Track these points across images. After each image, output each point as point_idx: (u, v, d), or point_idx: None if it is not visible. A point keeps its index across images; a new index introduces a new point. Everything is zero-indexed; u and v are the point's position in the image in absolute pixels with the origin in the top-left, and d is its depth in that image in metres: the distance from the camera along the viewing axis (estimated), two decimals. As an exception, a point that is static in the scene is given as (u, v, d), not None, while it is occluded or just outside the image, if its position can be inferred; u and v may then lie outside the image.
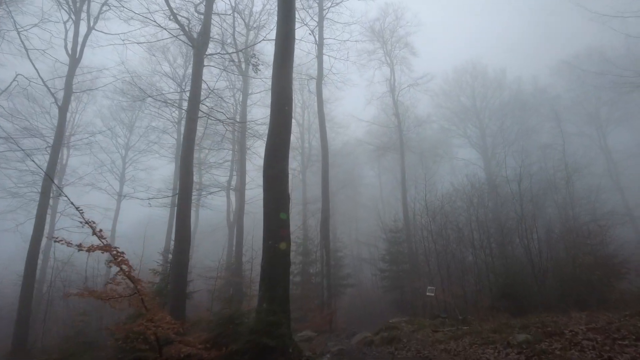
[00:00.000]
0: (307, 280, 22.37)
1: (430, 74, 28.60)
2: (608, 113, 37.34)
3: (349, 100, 36.49)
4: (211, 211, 33.07)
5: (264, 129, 27.43)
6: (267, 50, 27.09)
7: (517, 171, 19.93)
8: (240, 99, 24.60)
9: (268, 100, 30.87)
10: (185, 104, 22.23)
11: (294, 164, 34.58)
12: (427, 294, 16.43)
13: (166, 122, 28.34)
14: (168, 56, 26.89)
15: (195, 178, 30.90)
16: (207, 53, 16.06)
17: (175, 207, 14.23)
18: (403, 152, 26.65)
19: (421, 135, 33.37)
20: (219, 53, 15.94)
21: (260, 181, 26.37)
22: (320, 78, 20.70)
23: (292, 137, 35.28)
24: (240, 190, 23.05)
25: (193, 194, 29.50)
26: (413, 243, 21.80)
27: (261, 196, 25.56)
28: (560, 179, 20.68)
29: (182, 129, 29.68)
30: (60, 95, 19.63)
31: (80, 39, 19.94)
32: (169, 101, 15.95)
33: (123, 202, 33.67)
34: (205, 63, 21.20)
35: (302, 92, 35.45)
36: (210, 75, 24.16)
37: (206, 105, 16.60)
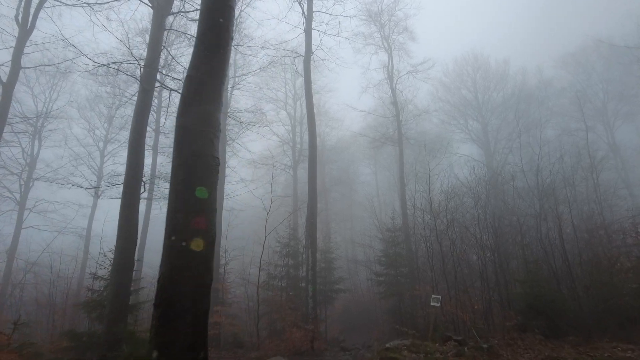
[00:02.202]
0: (294, 286, 19.20)
1: (431, 59, 25.52)
2: (616, 108, 34.31)
3: (344, 92, 33.42)
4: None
5: (247, 117, 24.32)
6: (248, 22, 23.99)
7: (532, 162, 16.88)
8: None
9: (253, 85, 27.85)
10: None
11: (285, 159, 31.43)
12: (432, 304, 13.27)
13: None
14: (146, 38, 23.81)
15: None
16: (170, 12, 12.90)
17: (121, 199, 11.03)
18: (402, 144, 23.51)
19: (420, 127, 30.26)
20: (181, 12, 12.78)
21: (246, 174, 22.92)
22: (308, 54, 17.57)
23: (283, 130, 32.41)
24: (219, 183, 19.82)
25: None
26: (413, 244, 18.60)
27: (247, 194, 21.99)
28: (581, 171, 17.52)
29: (162, 119, 26.83)
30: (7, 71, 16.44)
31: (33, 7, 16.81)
32: (125, 72, 12.67)
33: (106, 199, 30.41)
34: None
35: (295, 83, 32.40)
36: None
37: (168, 76, 13.44)
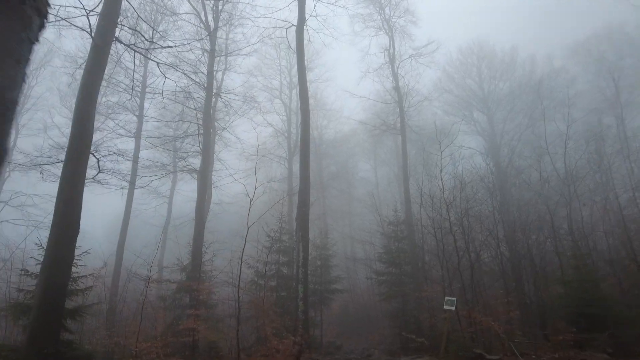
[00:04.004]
0: (286, 286, 16.81)
1: (435, 41, 23.09)
2: (628, 98, 31.84)
3: (341, 82, 30.85)
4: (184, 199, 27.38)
5: (238, 101, 21.93)
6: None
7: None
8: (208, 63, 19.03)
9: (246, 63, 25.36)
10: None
11: (279, 150, 28.99)
12: (445, 307, 10.88)
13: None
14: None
15: (167, 159, 25.34)
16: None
17: (61, 178, 8.59)
18: (404, 131, 21.14)
19: (422, 116, 27.86)
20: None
21: (238, 165, 20.43)
22: (301, 23, 15.22)
23: (278, 120, 29.97)
24: (203, 172, 17.42)
25: (162, 174, 23.89)
26: (418, 239, 16.14)
27: (235, 185, 19.46)
28: (608, 157, 15.11)
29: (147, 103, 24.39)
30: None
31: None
32: (74, 24, 10.13)
33: (87, 193, 27.86)
34: None
35: (290, 71, 29.99)
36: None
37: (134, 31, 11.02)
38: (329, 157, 35.67)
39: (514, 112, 30.27)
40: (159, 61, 12.18)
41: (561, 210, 12.48)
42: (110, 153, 15.04)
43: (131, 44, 9.63)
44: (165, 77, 12.01)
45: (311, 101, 18.61)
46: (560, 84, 31.62)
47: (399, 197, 27.51)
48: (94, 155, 9.80)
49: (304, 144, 13.63)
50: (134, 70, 11.05)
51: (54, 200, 22.90)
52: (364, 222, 31.55)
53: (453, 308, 10.79)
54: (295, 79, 29.32)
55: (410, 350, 14.37)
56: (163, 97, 12.87)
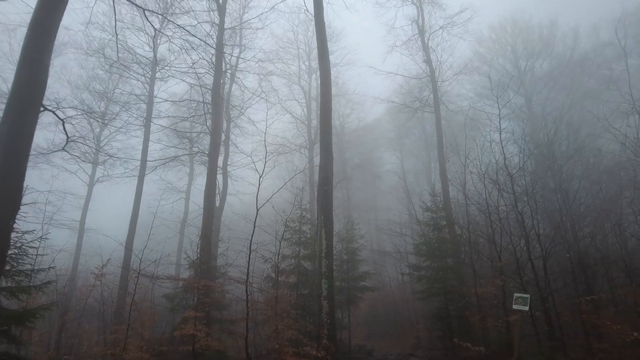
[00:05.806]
0: (306, 282, 14.21)
1: (470, 8, 19.98)
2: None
3: (365, 63, 28.01)
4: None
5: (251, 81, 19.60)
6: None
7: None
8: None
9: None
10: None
11: (299, 139, 26.50)
12: (514, 306, 8.09)
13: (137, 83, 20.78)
14: None
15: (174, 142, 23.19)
16: None
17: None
18: (438, 108, 18.25)
19: (455, 92, 24.81)
20: None
21: (251, 147, 17.80)
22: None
23: (297, 107, 27.51)
24: (212, 154, 15.03)
25: (169, 159, 21.63)
26: (465, 222, 13.09)
27: (250, 173, 16.96)
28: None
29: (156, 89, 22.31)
30: None
31: None
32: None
33: (102, 188, 26.10)
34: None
35: (309, 55, 27.48)
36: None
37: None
38: (352, 148, 33.08)
39: (556, 90, 26.73)
40: (151, 9, 9.84)
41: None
42: (80, 113, 12.50)
43: None
44: (159, 31, 9.62)
45: (332, 89, 16.13)
46: (608, 59, 27.83)
47: (431, 186, 24.56)
48: (56, 115, 7.46)
49: (324, 105, 10.93)
50: (115, 19, 8.64)
51: (65, 195, 20.53)
52: (391, 215, 28.71)
53: (526, 308, 7.96)
54: (315, 63, 26.85)
55: (459, 358, 11.60)
56: (156, 58, 10.43)
